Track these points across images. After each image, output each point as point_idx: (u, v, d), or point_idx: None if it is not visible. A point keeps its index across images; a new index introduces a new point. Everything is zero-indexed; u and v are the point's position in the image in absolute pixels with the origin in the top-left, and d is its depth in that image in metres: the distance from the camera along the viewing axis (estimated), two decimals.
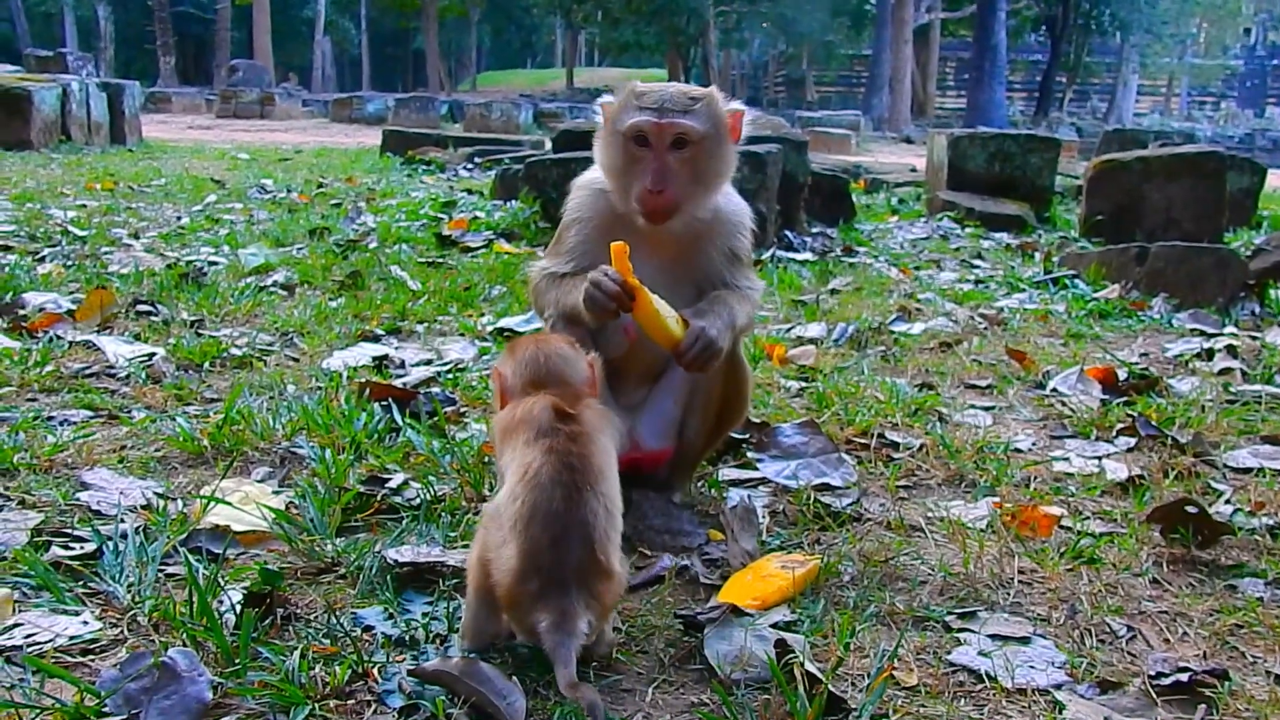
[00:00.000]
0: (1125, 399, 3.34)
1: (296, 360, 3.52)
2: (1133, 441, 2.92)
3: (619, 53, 51.12)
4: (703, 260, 2.23)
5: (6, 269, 4.65)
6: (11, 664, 1.57)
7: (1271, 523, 2.32)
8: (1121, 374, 3.54)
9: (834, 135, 24.65)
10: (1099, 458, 2.80)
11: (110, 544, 1.95)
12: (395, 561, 1.92)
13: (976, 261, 6.71)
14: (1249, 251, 6.65)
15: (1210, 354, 4.01)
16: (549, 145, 8.90)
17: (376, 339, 3.83)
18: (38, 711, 1.44)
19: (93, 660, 1.63)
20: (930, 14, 40.65)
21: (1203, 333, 4.44)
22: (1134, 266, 5.43)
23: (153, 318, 3.99)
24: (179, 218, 7.10)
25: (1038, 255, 6.78)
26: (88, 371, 3.21)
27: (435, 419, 2.80)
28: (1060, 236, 8.08)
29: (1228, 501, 2.47)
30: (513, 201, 7.35)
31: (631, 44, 44.97)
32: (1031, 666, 1.72)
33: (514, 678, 1.54)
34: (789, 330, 4.31)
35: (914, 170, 14.30)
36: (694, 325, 2.05)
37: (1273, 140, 32.41)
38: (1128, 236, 6.92)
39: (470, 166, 12.45)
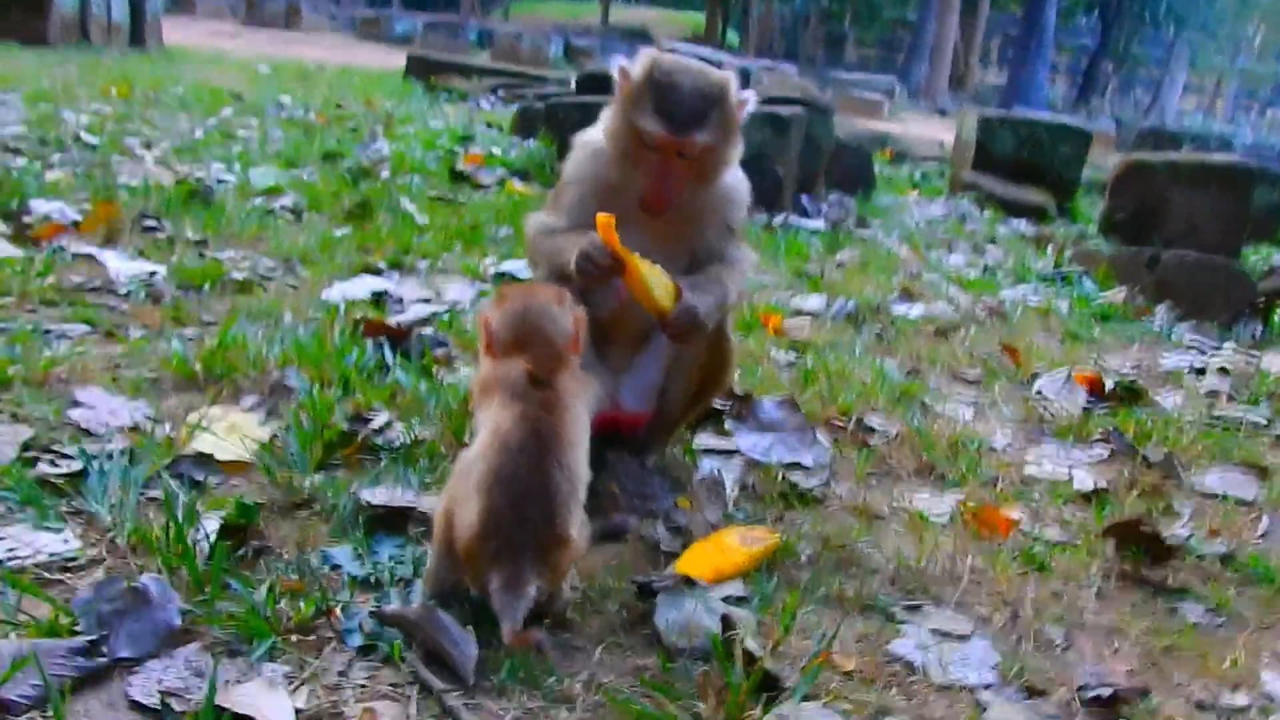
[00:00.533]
0: (1108, 408, 3.38)
1: (296, 288, 3.57)
2: (1106, 453, 2.97)
3: None
4: (697, 232, 2.26)
5: (15, 174, 4.68)
6: None
7: (1224, 550, 2.37)
8: (1109, 382, 3.58)
9: (867, 100, 24.33)
10: (1070, 465, 2.85)
11: (96, 464, 2.01)
12: (368, 503, 1.99)
13: (989, 247, 6.70)
14: (1265, 268, 6.64)
15: (1202, 371, 4.03)
16: (573, 84, 8.84)
17: (378, 272, 3.88)
18: (13, 626, 1.51)
19: (69, 578, 1.70)
20: None
21: (1200, 348, 4.46)
22: (1144, 271, 5.43)
23: (158, 234, 4.03)
24: (193, 130, 7.09)
25: (1051, 248, 6.77)
26: (89, 286, 3.26)
27: (425, 360, 2.86)
28: (1079, 231, 8.05)
29: (1185, 524, 2.52)
30: (531, 140, 7.34)
31: None
32: (965, 664, 1.79)
33: (469, 627, 1.61)
34: (789, 299, 4.34)
35: (942, 146, 14.16)
36: (684, 300, 2.09)
37: None
38: (1146, 239, 6.90)
39: (493, 99, 12.37)
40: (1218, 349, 4.50)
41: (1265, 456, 3.11)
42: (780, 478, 2.43)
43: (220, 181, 5.18)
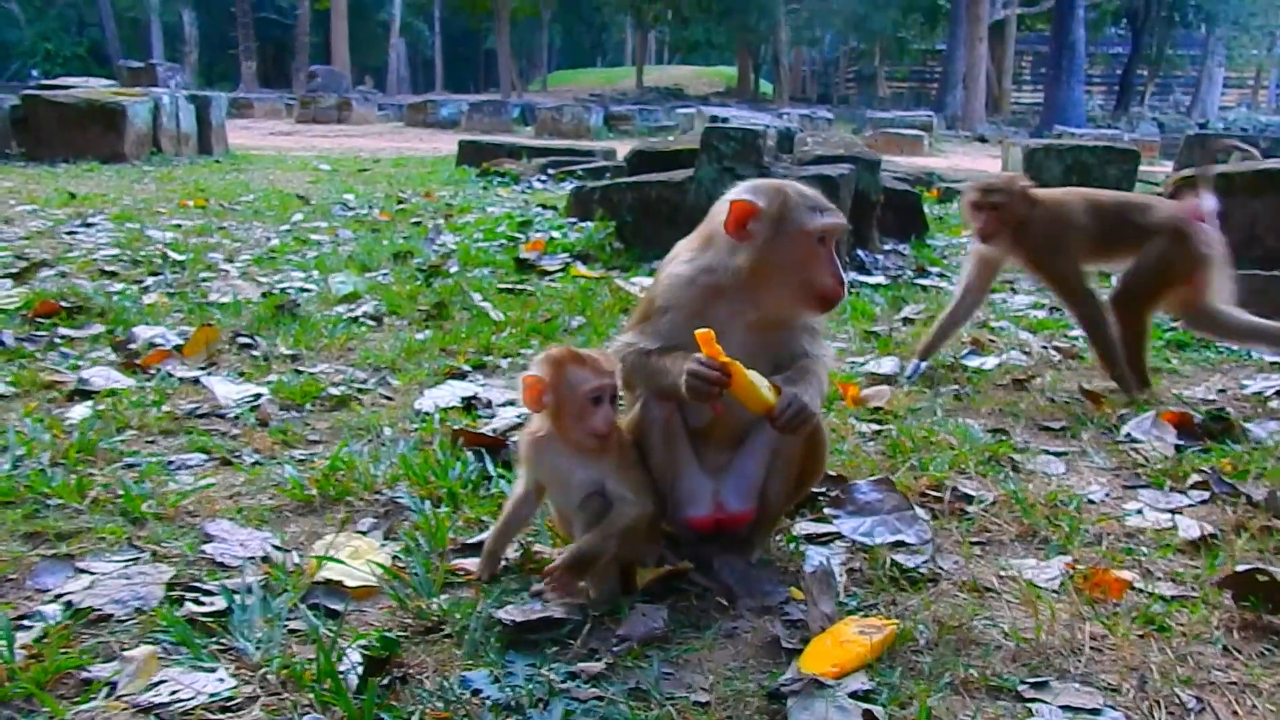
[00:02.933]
0: (1201, 445, 3.36)
1: (390, 399, 3.71)
2: (1206, 495, 2.96)
3: (689, 51, 51.21)
4: (785, 336, 2.36)
5: (116, 299, 4.94)
6: None
7: None
8: (1197, 417, 3.56)
9: (906, 136, 24.43)
10: (1172, 511, 2.84)
11: (238, 599, 2.13)
12: (502, 621, 2.07)
13: None
14: None
15: None
16: (620, 157, 9.05)
17: (463, 375, 4.01)
18: None
19: (230, 718, 1.80)
20: (1006, 9, 39.96)
21: None
22: None
23: (253, 351, 4.23)
24: (269, 238, 7.40)
25: (1114, 277, 6.70)
26: (199, 412, 3.44)
27: None
28: None
29: None
30: (587, 222, 7.52)
31: (702, 42, 45.10)
32: None
33: None
34: (863, 365, 4.39)
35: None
36: (786, 392, 2.21)
37: None
38: None
39: (544, 178, 12.68)
40: None
41: None
42: (886, 560, 2.47)
43: (303, 290, 5.40)
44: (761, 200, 2.30)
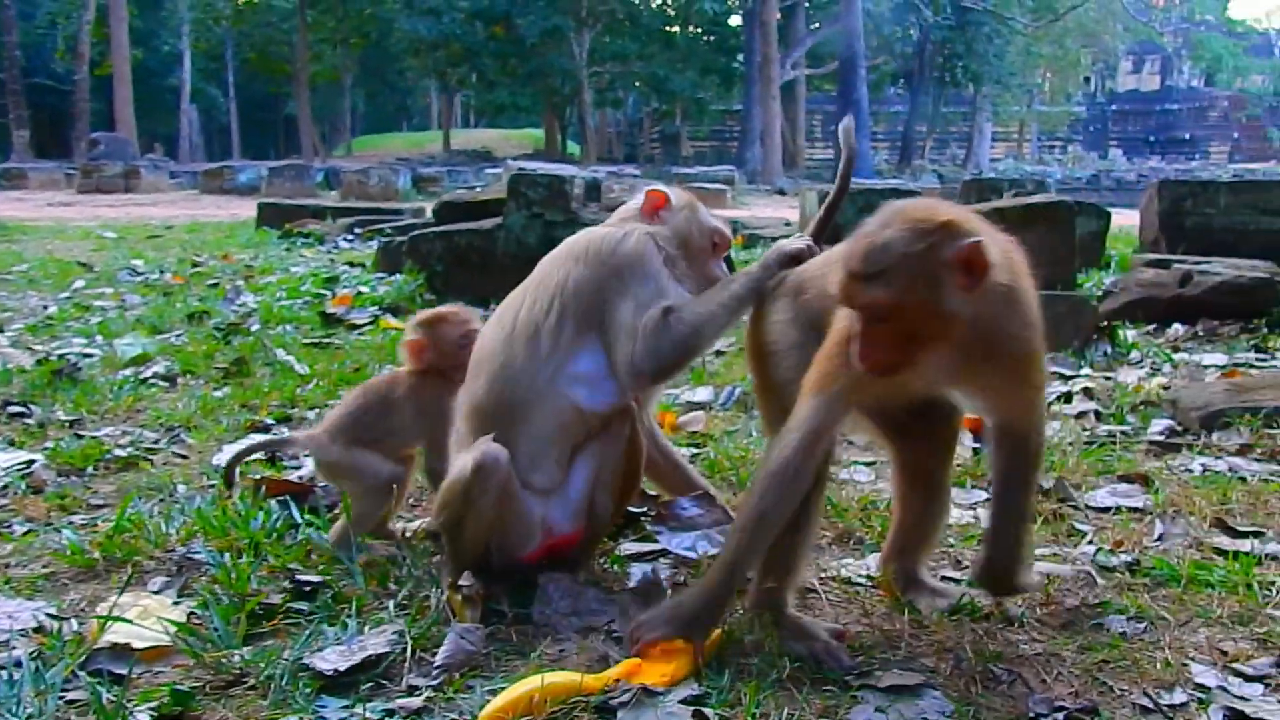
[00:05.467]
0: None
1: (185, 457, 3.47)
2: None
3: (495, 114, 51.43)
4: None
5: None
6: None
7: (1130, 559, 2.52)
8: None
9: (710, 190, 25.22)
10: (973, 505, 2.98)
11: (3, 675, 1.90)
12: (314, 669, 1.93)
13: None
14: (1099, 292, 7.14)
15: (1069, 397, 4.29)
16: (429, 214, 8.95)
17: (266, 429, 3.80)
18: None
19: None
20: (795, 70, 42.34)
21: (1062, 375, 4.75)
22: None
23: (26, 420, 3.86)
24: (45, 306, 6.86)
25: None
26: None
27: (334, 512, 2.80)
28: None
29: (1090, 542, 2.66)
30: (397, 275, 7.35)
31: (508, 105, 45.39)
32: (924, 717, 1.84)
33: None
34: (679, 396, 4.43)
35: (788, 224, 14.76)
36: None
37: (1115, 180, 34.71)
38: None
39: (350, 238, 12.33)
40: (1077, 373, 4.80)
41: (1143, 464, 3.34)
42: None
43: (85, 356, 5.00)
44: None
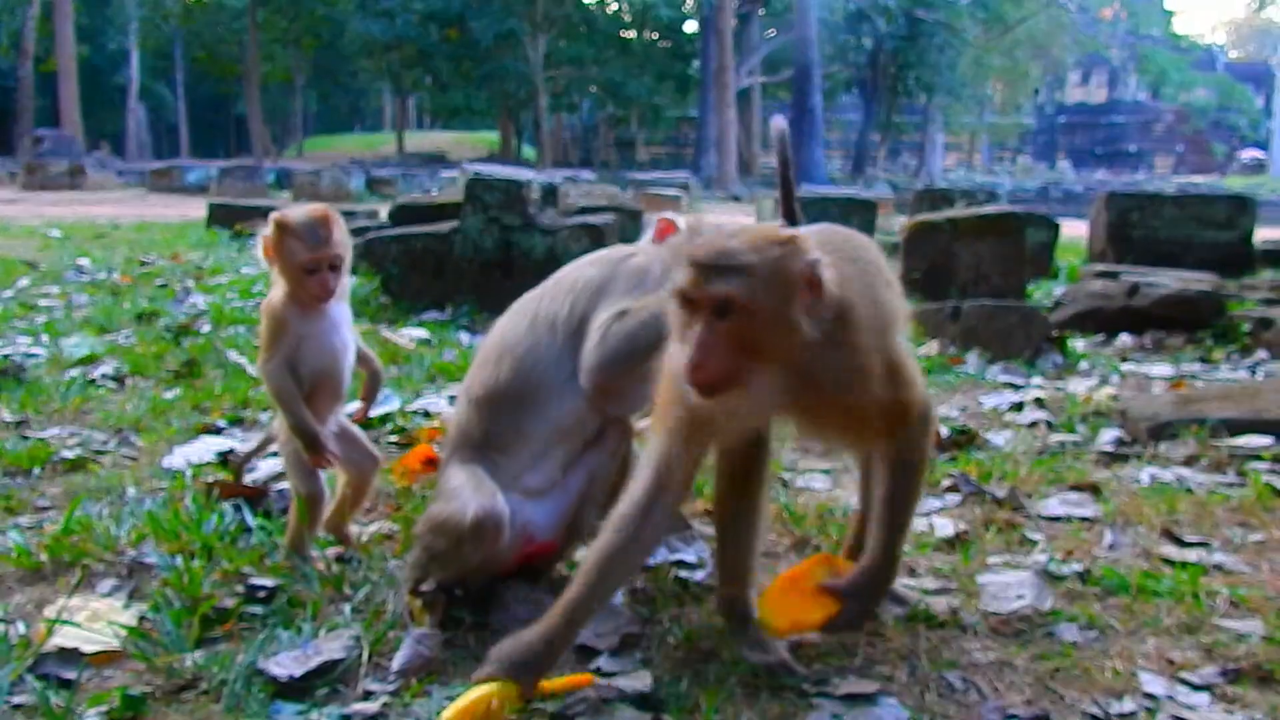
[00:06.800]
0: (949, 455, 3.60)
1: (135, 459, 3.40)
2: (959, 497, 3.16)
3: (450, 117, 51.16)
4: None
5: None
6: None
7: (1080, 568, 2.57)
8: (945, 430, 3.82)
9: (666, 196, 25.28)
10: (929, 514, 3.02)
11: None
12: (269, 674, 1.90)
13: None
14: (1049, 302, 7.28)
15: (1020, 406, 4.37)
16: (384, 216, 8.87)
17: (219, 431, 3.74)
18: None
19: None
20: (751, 78, 42.67)
21: (1013, 385, 4.83)
22: (949, 324, 5.85)
23: None
24: None
25: None
26: None
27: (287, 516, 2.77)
28: None
29: (1043, 551, 2.71)
30: (352, 277, 7.26)
31: (462, 108, 45.17)
32: None
33: None
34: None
35: None
36: None
37: (1064, 191, 35.43)
38: (943, 292, 7.42)
39: None
40: (1028, 383, 4.89)
41: (1092, 474, 3.40)
42: (670, 577, 2.47)
43: (30, 356, 4.88)
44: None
